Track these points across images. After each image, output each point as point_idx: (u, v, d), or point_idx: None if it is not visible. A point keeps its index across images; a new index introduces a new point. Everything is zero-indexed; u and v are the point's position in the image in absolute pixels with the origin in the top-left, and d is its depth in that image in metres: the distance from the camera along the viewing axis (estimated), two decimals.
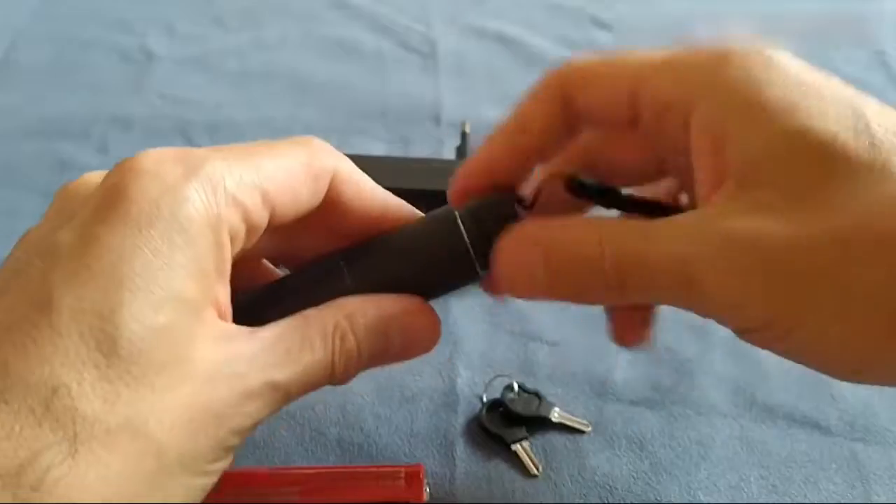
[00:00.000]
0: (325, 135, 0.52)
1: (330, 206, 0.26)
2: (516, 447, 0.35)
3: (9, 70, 0.56)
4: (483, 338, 0.39)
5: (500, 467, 0.34)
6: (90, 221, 0.21)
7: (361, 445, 0.35)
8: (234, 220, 0.22)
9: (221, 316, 0.23)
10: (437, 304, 0.41)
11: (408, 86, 0.56)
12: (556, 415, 0.36)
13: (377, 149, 0.51)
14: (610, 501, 0.33)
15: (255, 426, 0.23)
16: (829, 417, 0.36)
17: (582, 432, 0.35)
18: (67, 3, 0.63)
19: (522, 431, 0.35)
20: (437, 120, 0.53)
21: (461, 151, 0.46)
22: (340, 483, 0.32)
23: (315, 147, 0.26)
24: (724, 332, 0.39)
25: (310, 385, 0.24)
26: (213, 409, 0.21)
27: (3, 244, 0.43)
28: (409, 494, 0.31)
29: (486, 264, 0.26)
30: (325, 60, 0.58)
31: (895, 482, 0.34)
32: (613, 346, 0.39)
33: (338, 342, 0.24)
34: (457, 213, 0.26)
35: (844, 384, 0.37)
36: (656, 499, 0.33)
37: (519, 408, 0.36)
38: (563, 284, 0.24)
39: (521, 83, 0.59)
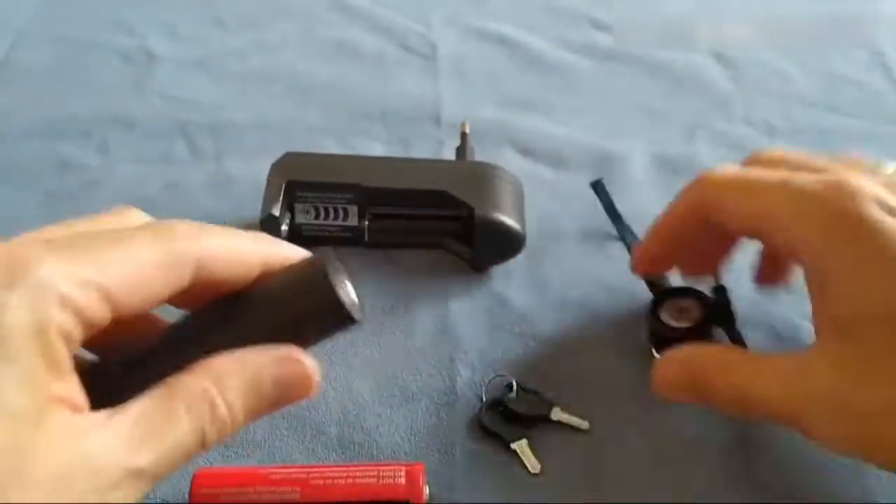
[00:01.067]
0: (326, 135, 0.52)
1: (203, 285, 0.24)
2: (516, 446, 0.35)
3: (10, 70, 0.56)
4: (483, 337, 0.40)
5: (499, 466, 0.34)
6: None
7: (362, 444, 0.35)
8: (65, 321, 0.21)
9: (76, 409, 0.21)
10: (436, 304, 0.41)
11: (408, 87, 0.56)
12: (555, 414, 0.36)
13: (377, 149, 0.51)
14: (609, 500, 0.33)
15: None
16: None
17: (581, 431, 0.36)
18: (68, 4, 0.63)
19: (522, 430, 0.35)
20: (437, 121, 0.53)
21: (461, 152, 0.46)
22: (340, 482, 0.32)
23: (175, 234, 0.24)
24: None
25: (180, 460, 0.23)
26: None
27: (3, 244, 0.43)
28: (410, 493, 0.31)
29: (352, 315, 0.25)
30: (326, 61, 0.58)
31: (894, 482, 0.34)
32: (613, 346, 0.39)
33: (206, 410, 0.23)
34: (325, 261, 0.25)
35: None
36: (655, 498, 0.33)
37: (519, 407, 0.36)
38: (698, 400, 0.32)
39: (520, 84, 0.60)
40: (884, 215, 0.27)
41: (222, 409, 0.23)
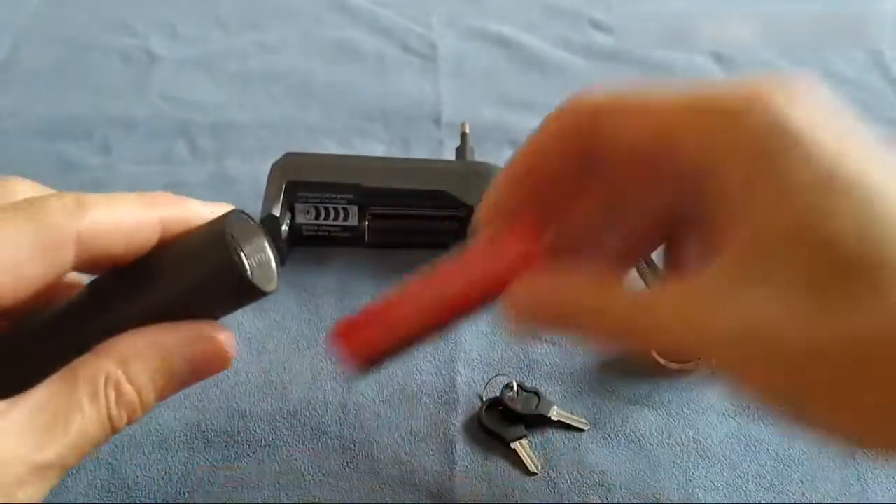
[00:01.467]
0: (326, 136, 0.52)
1: (95, 259, 0.23)
2: (515, 445, 0.35)
3: (11, 71, 0.57)
4: (483, 337, 0.40)
5: (499, 466, 0.35)
6: None
7: (362, 444, 0.35)
8: None
9: None
10: None
11: (408, 87, 0.56)
12: (555, 413, 0.36)
13: (377, 149, 0.51)
14: (608, 500, 0.33)
15: None
16: None
17: (581, 430, 0.36)
18: (70, 5, 0.63)
19: (522, 430, 0.35)
20: (437, 121, 0.53)
21: (461, 152, 0.47)
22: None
23: (47, 209, 0.22)
24: None
25: (88, 448, 0.21)
26: None
27: None
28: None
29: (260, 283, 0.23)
30: (326, 62, 0.58)
31: (893, 481, 0.34)
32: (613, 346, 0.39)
33: (111, 395, 0.22)
34: (225, 227, 0.23)
35: None
36: (654, 497, 0.34)
37: (518, 406, 0.36)
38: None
39: (520, 84, 0.60)
40: (812, 128, 0.21)
41: (130, 394, 0.22)
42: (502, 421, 0.36)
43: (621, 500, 0.33)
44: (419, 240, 0.43)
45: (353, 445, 0.35)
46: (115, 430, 0.22)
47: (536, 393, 0.37)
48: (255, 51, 0.59)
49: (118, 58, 0.58)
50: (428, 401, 0.37)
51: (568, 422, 0.36)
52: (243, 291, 0.23)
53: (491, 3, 0.64)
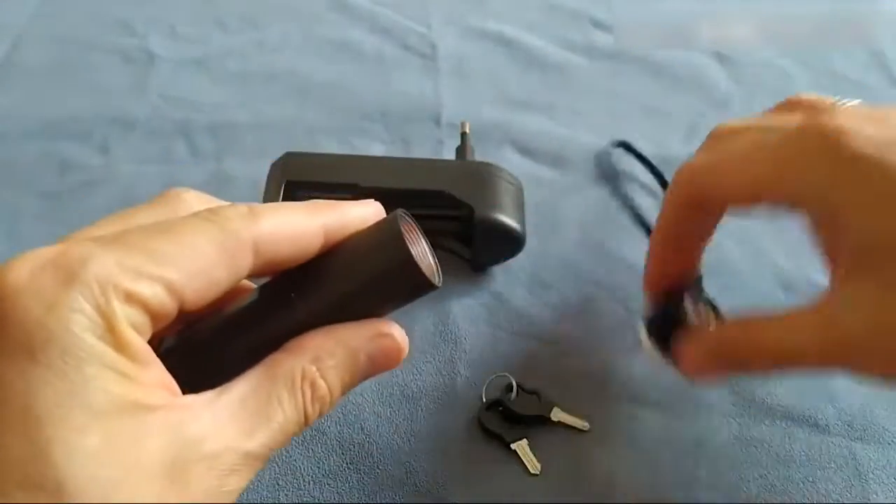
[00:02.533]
0: (326, 136, 0.52)
1: (266, 266, 0.24)
2: (516, 446, 0.35)
3: (10, 70, 0.56)
4: (483, 338, 0.40)
5: (499, 466, 0.34)
6: None
7: (362, 444, 0.35)
8: (134, 316, 0.20)
9: (171, 391, 0.21)
10: (436, 305, 0.41)
11: (408, 87, 0.56)
12: (555, 414, 0.36)
13: (377, 149, 0.51)
14: (609, 500, 0.33)
15: (236, 496, 0.22)
16: (827, 417, 0.37)
17: (581, 431, 0.36)
18: (69, 4, 0.63)
19: (522, 431, 0.35)
20: (437, 120, 0.53)
21: (461, 152, 0.46)
22: None
23: (226, 218, 0.23)
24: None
25: (285, 441, 0.23)
26: (194, 498, 0.20)
27: (4, 244, 0.43)
28: None
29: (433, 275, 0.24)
30: (326, 61, 0.58)
31: (893, 482, 0.34)
32: (612, 346, 0.39)
33: (308, 392, 0.23)
34: (400, 226, 0.24)
35: (842, 383, 0.38)
36: (655, 498, 0.33)
37: (518, 407, 0.36)
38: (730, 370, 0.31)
39: (520, 84, 0.60)
40: (870, 144, 0.27)
41: (323, 389, 0.24)
42: (502, 421, 0.36)
43: (622, 501, 0.33)
44: None
45: (352, 446, 0.35)
46: (308, 423, 0.24)
47: (536, 393, 0.36)
48: (254, 51, 0.59)
49: (118, 58, 0.58)
50: (428, 401, 0.37)
51: (568, 422, 0.36)
52: (419, 285, 0.24)
53: (491, 3, 0.64)
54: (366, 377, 0.25)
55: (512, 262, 0.42)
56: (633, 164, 0.49)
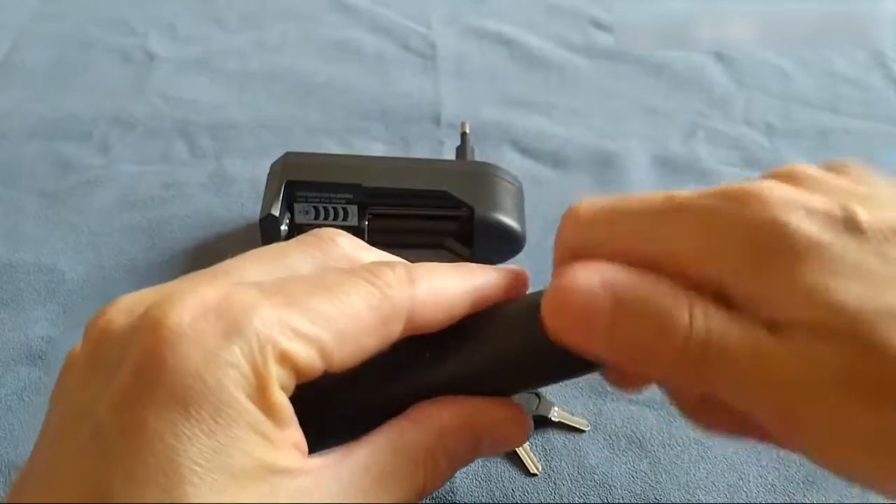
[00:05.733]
0: (326, 136, 0.52)
1: (413, 330, 0.23)
2: None
3: (10, 70, 0.56)
4: None
5: (499, 466, 0.34)
6: (132, 402, 0.19)
7: None
8: (284, 376, 0.20)
9: (301, 451, 0.21)
10: None
11: (408, 86, 0.56)
12: (555, 414, 0.36)
13: (377, 149, 0.51)
14: (609, 500, 0.33)
15: None
16: None
17: (581, 431, 0.36)
18: (68, 4, 0.63)
19: None
20: (437, 120, 0.53)
21: (461, 152, 0.47)
22: None
23: (389, 284, 0.22)
24: None
25: None
26: None
27: (4, 244, 0.43)
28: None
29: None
30: (326, 61, 0.58)
31: None
32: None
33: (430, 468, 0.23)
34: None
35: None
36: (655, 498, 0.33)
37: None
38: (628, 343, 0.21)
39: (520, 84, 0.60)
40: (806, 223, 0.20)
41: (443, 468, 0.23)
42: None
43: (622, 501, 0.33)
44: (419, 240, 0.43)
45: None
46: (422, 497, 0.23)
47: (536, 394, 0.36)
48: (254, 50, 0.59)
49: (117, 57, 0.58)
50: None
51: (568, 423, 0.36)
52: (586, 366, 0.23)
53: (491, 3, 0.64)
54: (484, 455, 0.25)
55: (512, 262, 0.42)
56: (634, 164, 0.49)
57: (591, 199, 0.23)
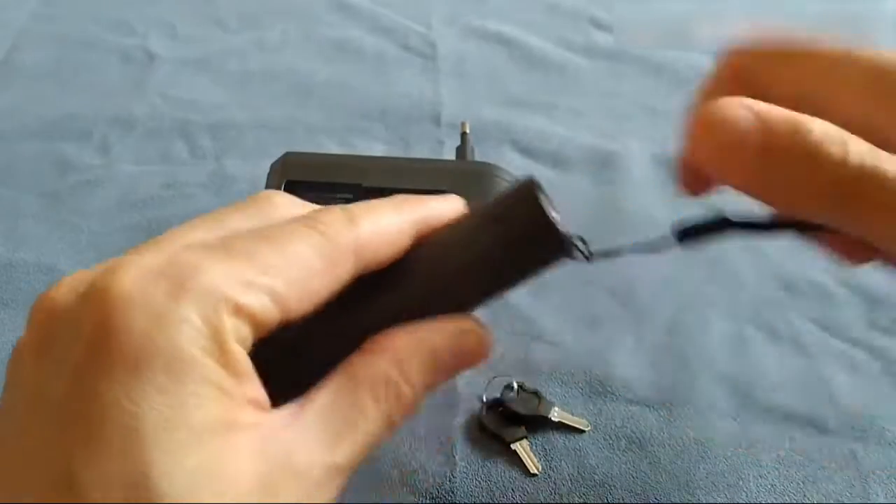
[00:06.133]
0: (326, 135, 0.52)
1: (362, 270, 0.23)
2: (516, 446, 0.35)
3: (10, 70, 0.56)
4: None
5: (499, 467, 0.34)
6: (85, 375, 0.19)
7: None
8: (240, 328, 0.20)
9: (261, 407, 0.21)
10: None
11: (408, 86, 0.56)
12: (555, 414, 0.36)
13: (377, 149, 0.51)
14: (609, 500, 0.33)
15: None
16: (827, 417, 0.37)
17: (581, 431, 0.36)
18: (68, 4, 0.63)
19: (522, 431, 0.35)
20: (437, 120, 0.53)
21: (461, 152, 0.46)
22: None
23: (327, 224, 0.22)
24: (723, 330, 0.39)
25: (371, 448, 0.22)
26: None
27: (4, 244, 0.43)
28: None
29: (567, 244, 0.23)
30: (326, 61, 0.58)
31: (894, 482, 0.34)
32: (613, 346, 0.39)
33: (392, 398, 0.22)
34: (533, 182, 0.22)
35: (843, 382, 0.38)
36: (655, 498, 0.33)
37: (519, 407, 0.36)
38: (778, 177, 0.20)
39: (520, 84, 0.60)
40: None
41: (408, 394, 0.23)
42: (502, 422, 0.36)
43: (622, 501, 0.33)
44: None
45: None
46: (393, 428, 0.23)
47: (537, 394, 0.36)
48: (254, 50, 0.59)
49: (117, 57, 0.58)
50: (428, 401, 0.37)
51: (568, 423, 0.36)
52: (555, 247, 0.23)
53: (491, 3, 0.64)
54: (450, 376, 0.24)
55: None
56: (634, 164, 0.49)
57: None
